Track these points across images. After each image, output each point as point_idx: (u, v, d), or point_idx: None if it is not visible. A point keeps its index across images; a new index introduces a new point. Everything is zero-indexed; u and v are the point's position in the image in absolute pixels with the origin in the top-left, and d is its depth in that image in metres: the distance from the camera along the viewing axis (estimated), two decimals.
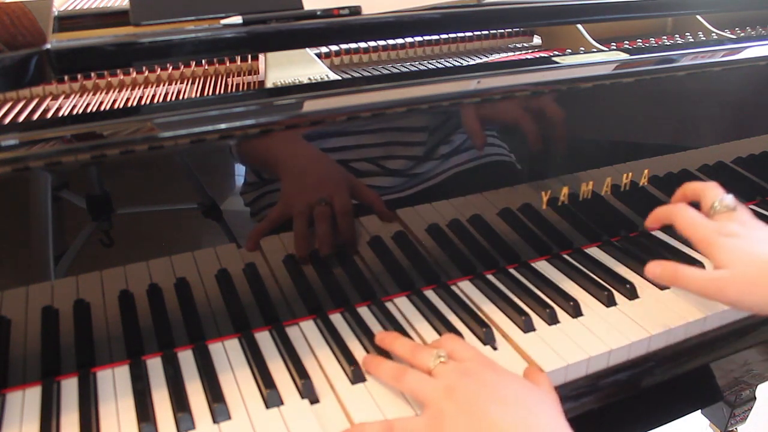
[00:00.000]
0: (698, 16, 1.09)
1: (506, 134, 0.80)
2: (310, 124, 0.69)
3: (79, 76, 0.82)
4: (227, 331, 0.74)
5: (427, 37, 0.99)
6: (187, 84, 0.84)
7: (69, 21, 0.83)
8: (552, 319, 0.76)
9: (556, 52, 0.98)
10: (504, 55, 0.99)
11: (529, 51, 1.01)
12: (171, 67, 0.86)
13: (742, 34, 1.07)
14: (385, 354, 0.70)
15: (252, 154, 0.69)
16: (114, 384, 0.67)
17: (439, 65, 0.94)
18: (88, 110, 0.75)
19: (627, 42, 1.02)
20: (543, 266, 0.87)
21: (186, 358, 0.71)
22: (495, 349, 0.73)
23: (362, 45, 0.96)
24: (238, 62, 0.90)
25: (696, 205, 0.77)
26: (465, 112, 0.75)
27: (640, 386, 0.76)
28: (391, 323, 0.75)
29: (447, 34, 1.00)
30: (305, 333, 0.75)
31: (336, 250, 0.75)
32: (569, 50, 0.98)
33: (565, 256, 0.89)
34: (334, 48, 0.94)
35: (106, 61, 0.67)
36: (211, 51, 0.71)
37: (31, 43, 0.62)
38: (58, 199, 0.62)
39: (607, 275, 0.84)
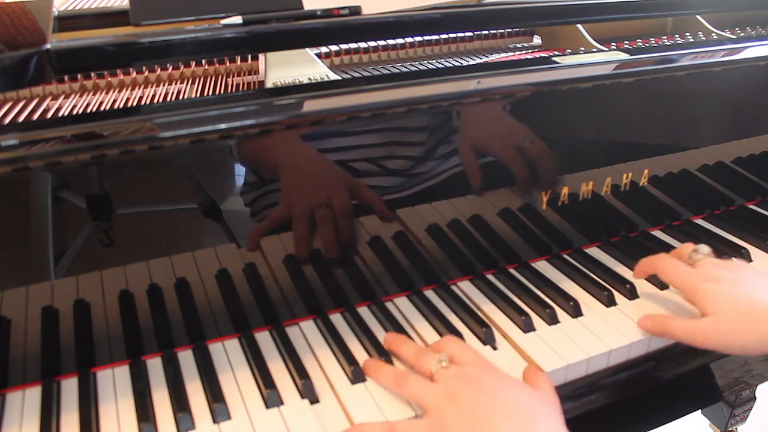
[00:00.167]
0: (698, 16, 1.09)
1: (506, 136, 0.80)
2: (310, 124, 0.69)
3: (79, 76, 0.82)
4: (227, 331, 0.74)
5: (427, 37, 0.99)
6: (187, 84, 0.84)
7: (69, 21, 0.83)
8: (552, 319, 0.76)
9: (556, 52, 0.98)
10: (504, 55, 0.99)
11: (529, 51, 1.01)
12: (171, 67, 0.86)
13: (742, 34, 1.07)
14: (386, 355, 0.70)
15: (252, 156, 0.69)
16: (114, 384, 0.67)
17: (439, 65, 0.94)
18: (88, 110, 0.75)
19: (627, 42, 1.02)
20: (543, 266, 0.87)
21: (186, 358, 0.71)
22: (495, 349, 0.73)
23: (362, 45, 0.95)
24: (238, 62, 0.90)
25: None
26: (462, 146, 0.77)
27: (640, 386, 0.76)
28: (391, 323, 0.75)
29: (447, 34, 1.00)
30: (305, 333, 0.75)
31: (336, 250, 0.75)
32: (569, 50, 0.98)
33: (565, 256, 0.89)
34: (334, 48, 0.94)
35: (106, 61, 0.67)
36: (211, 51, 0.71)
37: (31, 43, 0.62)
38: (58, 199, 0.62)
39: (607, 275, 0.84)
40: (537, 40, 1.06)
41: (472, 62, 0.95)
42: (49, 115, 0.74)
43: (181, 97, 0.80)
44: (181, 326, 0.71)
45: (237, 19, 0.71)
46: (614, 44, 0.97)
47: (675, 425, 0.89)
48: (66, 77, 0.81)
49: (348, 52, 0.95)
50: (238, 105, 0.68)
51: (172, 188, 0.67)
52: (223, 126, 0.65)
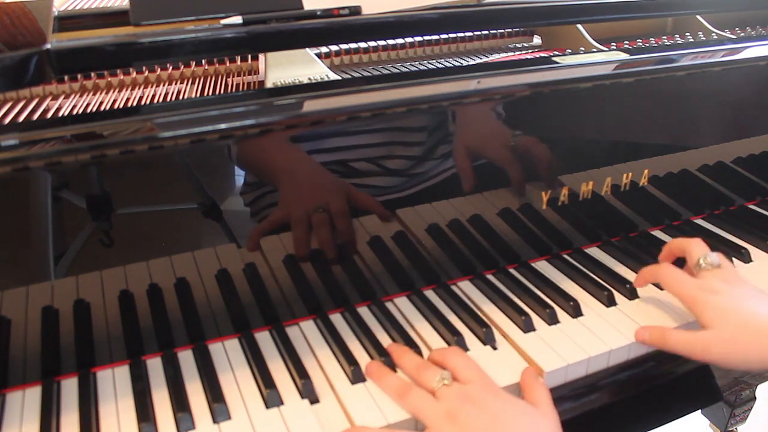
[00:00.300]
0: (698, 16, 1.09)
1: (505, 136, 0.80)
2: (310, 124, 0.69)
3: (79, 76, 0.82)
4: (227, 331, 0.74)
5: (427, 37, 0.99)
6: (187, 84, 0.84)
7: (69, 21, 0.83)
8: (552, 319, 0.76)
9: (556, 52, 0.98)
10: (504, 55, 0.99)
11: (529, 51, 1.01)
12: (171, 67, 0.86)
13: (742, 34, 1.07)
14: (386, 355, 0.70)
15: (251, 160, 0.69)
16: (114, 384, 0.67)
17: (439, 65, 0.94)
18: (88, 110, 0.75)
19: (627, 42, 1.02)
20: (543, 266, 0.87)
21: (186, 358, 0.71)
22: (495, 349, 0.73)
23: (362, 45, 0.95)
24: (238, 62, 0.90)
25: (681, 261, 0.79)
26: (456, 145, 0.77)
27: (640, 386, 0.76)
28: (391, 323, 0.75)
29: (447, 34, 1.00)
30: (305, 333, 0.75)
31: (336, 250, 0.75)
32: (569, 50, 0.98)
33: (565, 256, 0.89)
34: (334, 48, 0.94)
35: (106, 61, 0.67)
36: (211, 51, 0.71)
37: (31, 43, 0.62)
38: (58, 199, 0.62)
39: (607, 275, 0.84)
40: (537, 40, 1.06)
41: (472, 62, 0.95)
42: (49, 115, 0.74)
43: (181, 97, 0.80)
44: (181, 326, 0.71)
45: (237, 19, 0.71)
46: (614, 44, 0.97)
47: (675, 425, 0.89)
48: (66, 77, 0.81)
49: (348, 52, 0.95)
50: (238, 105, 0.68)
51: (172, 188, 0.67)
52: (223, 126, 0.65)
